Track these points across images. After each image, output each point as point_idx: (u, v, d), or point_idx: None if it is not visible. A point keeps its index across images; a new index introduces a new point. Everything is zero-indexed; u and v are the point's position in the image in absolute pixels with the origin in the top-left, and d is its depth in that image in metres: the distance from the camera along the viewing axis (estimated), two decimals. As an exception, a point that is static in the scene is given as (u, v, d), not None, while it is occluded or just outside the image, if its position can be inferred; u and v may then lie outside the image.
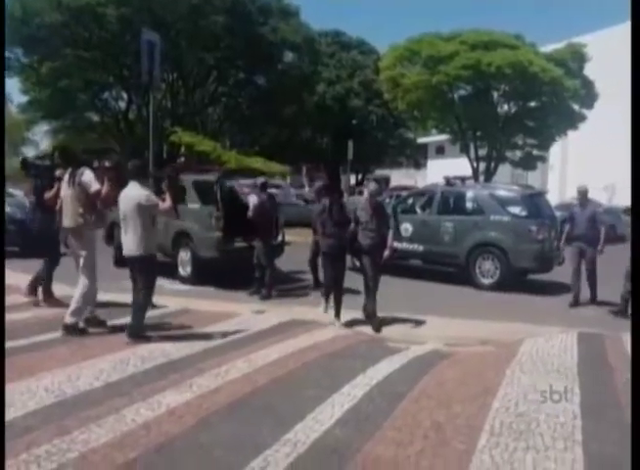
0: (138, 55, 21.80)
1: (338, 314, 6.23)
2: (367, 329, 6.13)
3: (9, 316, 5.58)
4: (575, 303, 7.78)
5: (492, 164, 22.02)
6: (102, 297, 7.23)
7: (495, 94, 21.12)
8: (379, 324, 6.13)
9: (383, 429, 3.28)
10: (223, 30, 21.76)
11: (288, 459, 2.85)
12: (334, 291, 6.34)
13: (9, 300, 6.38)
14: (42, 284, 6.59)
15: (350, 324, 6.27)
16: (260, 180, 8.72)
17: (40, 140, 40.44)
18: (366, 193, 6.64)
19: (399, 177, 38.82)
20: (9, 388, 3.66)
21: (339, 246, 6.26)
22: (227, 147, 24.38)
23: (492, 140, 21.74)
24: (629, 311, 6.29)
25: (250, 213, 7.99)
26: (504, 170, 23.86)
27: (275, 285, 7.96)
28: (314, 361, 4.64)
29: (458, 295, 8.63)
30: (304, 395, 3.79)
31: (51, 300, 6.51)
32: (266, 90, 26.67)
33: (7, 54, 22.55)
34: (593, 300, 7.80)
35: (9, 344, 4.60)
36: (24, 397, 3.57)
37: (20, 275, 7.65)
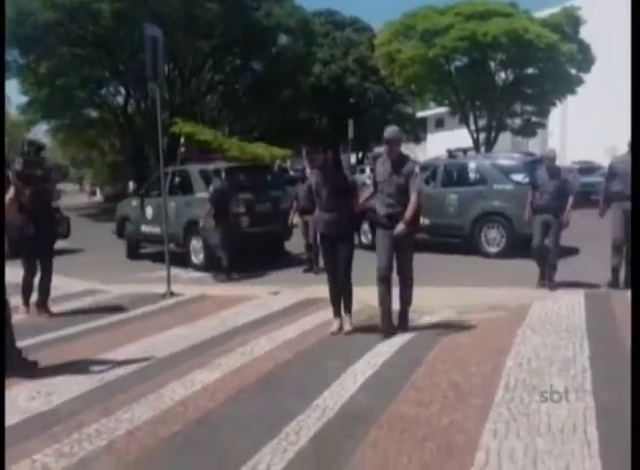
0: (134, 49, 22.01)
1: (348, 309, 5.03)
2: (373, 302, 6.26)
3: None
4: (542, 282, 6.64)
5: (492, 134, 22.04)
6: (120, 288, 7.52)
7: (492, 63, 21.05)
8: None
9: (404, 391, 3.49)
10: (217, 18, 21.67)
11: (318, 423, 3.07)
12: (342, 285, 4.97)
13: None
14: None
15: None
16: (213, 167, 9.28)
17: (41, 140, 40.40)
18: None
19: (400, 153, 38.64)
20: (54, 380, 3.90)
21: (341, 222, 4.83)
22: (226, 135, 24.43)
23: (491, 110, 21.72)
24: (621, 283, 6.27)
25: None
26: (504, 139, 23.87)
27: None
28: (332, 335, 4.86)
29: (465, 264, 8.81)
30: (327, 365, 4.01)
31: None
32: (262, 75, 26.62)
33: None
34: (550, 278, 6.57)
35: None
36: (71, 382, 3.82)
37: None
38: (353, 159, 34.51)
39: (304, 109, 32.49)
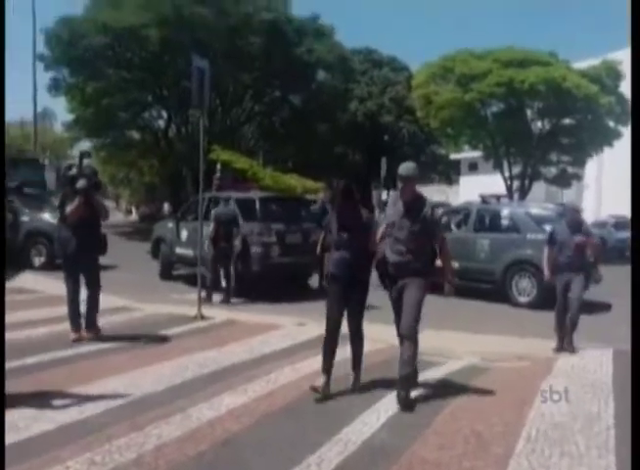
0: (178, 75, 22.86)
1: (357, 365, 4.42)
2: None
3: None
4: (560, 347, 6.06)
5: (527, 182, 22.01)
6: (152, 307, 7.72)
7: (529, 111, 21.19)
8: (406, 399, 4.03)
9: (425, 434, 3.53)
10: (260, 51, 22.42)
11: (340, 457, 3.14)
12: (353, 336, 4.40)
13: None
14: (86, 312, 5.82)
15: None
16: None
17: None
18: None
19: (431, 193, 38.63)
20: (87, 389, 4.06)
21: (353, 262, 4.16)
22: (261, 164, 24.97)
23: (526, 157, 21.76)
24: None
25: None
26: (538, 188, 23.78)
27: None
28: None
29: (494, 311, 8.77)
30: (350, 401, 4.07)
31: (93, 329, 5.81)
32: (300, 108, 27.25)
33: (54, 74, 23.70)
34: (569, 340, 6.07)
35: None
36: (101, 396, 3.96)
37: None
38: (385, 196, 34.70)
39: (339, 143, 33.02)
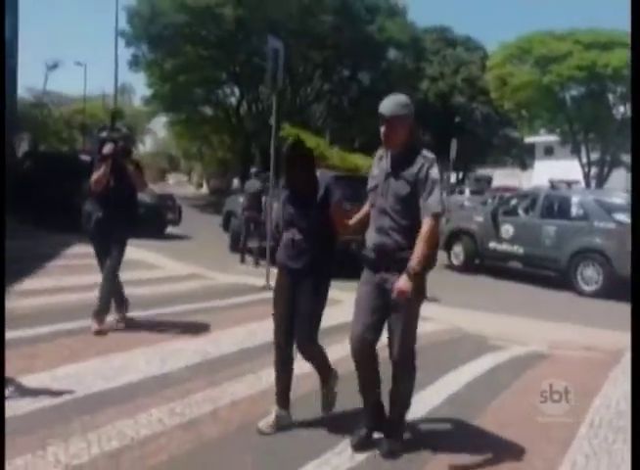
0: (251, 53, 23.22)
1: (327, 399, 3.31)
2: (463, 325, 6.27)
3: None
4: None
5: (605, 169, 21.02)
6: (224, 277, 8.11)
7: (611, 96, 20.15)
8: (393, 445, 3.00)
9: (485, 413, 3.61)
10: (331, 29, 22.42)
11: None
12: (305, 354, 3.21)
13: (148, 273, 7.36)
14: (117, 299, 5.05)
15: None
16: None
17: (159, 131, 43.58)
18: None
19: (502, 177, 37.69)
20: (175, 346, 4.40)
21: (306, 250, 3.08)
22: (327, 143, 25.11)
23: (606, 143, 20.76)
24: None
25: None
26: (618, 176, 22.65)
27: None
28: (422, 349, 4.98)
29: (559, 299, 8.59)
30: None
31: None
32: (369, 87, 27.06)
33: (134, 51, 24.68)
34: None
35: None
36: (180, 354, 4.29)
37: (144, 252, 9.13)
38: (453, 178, 34.06)
39: (408, 124, 32.56)
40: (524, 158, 38.93)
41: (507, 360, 4.88)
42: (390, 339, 2.92)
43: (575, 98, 20.94)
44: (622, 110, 20.29)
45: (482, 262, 10.73)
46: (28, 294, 5.82)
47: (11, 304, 5.36)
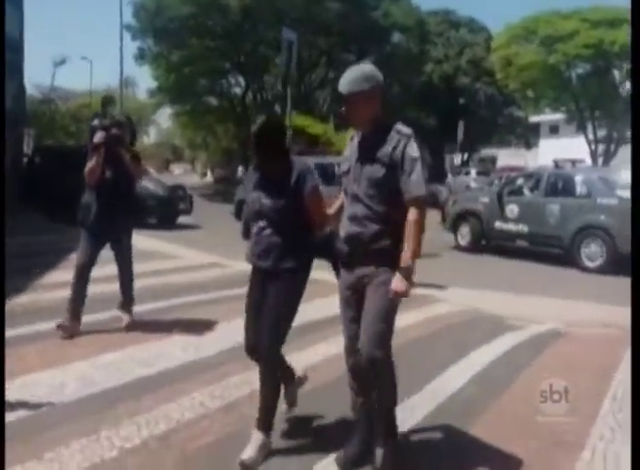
0: (256, 42, 23.16)
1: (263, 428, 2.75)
2: (478, 306, 6.36)
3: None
4: None
5: (612, 146, 20.96)
6: (240, 264, 8.24)
7: (617, 73, 20.02)
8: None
9: (510, 389, 3.75)
10: (337, 16, 22.34)
11: (429, 407, 3.41)
12: (265, 364, 2.83)
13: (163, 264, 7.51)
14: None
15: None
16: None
17: (163, 122, 43.64)
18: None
19: (507, 157, 37.54)
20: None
21: (277, 246, 2.73)
22: (333, 129, 25.11)
23: (613, 120, 20.67)
24: None
25: None
26: (626, 152, 22.55)
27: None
28: (440, 331, 5.16)
29: (565, 276, 8.73)
30: (435, 358, 4.33)
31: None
32: (374, 72, 26.97)
33: (140, 44, 24.68)
34: None
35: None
36: (213, 339, 4.45)
37: (159, 242, 9.40)
38: (458, 160, 33.98)
39: (412, 107, 32.48)
40: (528, 137, 38.78)
41: (527, 339, 5.00)
42: (363, 334, 2.53)
43: (581, 76, 20.85)
44: (629, 87, 20.17)
45: (489, 243, 10.86)
46: (57, 286, 5.97)
47: (41, 296, 5.55)
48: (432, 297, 6.46)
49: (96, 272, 4.69)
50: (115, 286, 4.89)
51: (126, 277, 4.80)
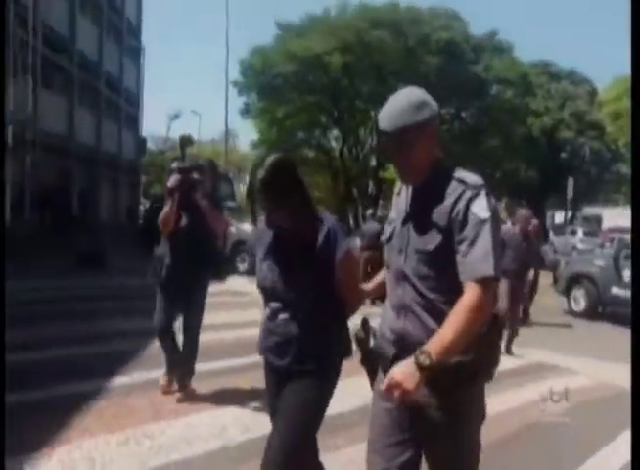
0: (354, 97, 23.88)
1: None
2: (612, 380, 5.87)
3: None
4: None
5: None
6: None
7: None
8: None
9: None
10: (435, 70, 22.65)
11: None
12: None
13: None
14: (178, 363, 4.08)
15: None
16: None
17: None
18: None
19: (613, 217, 35.28)
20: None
21: (299, 338, 2.01)
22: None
23: None
24: None
25: None
26: None
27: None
28: (576, 408, 4.75)
29: None
30: (577, 441, 3.96)
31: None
32: (471, 124, 26.85)
33: (245, 99, 26.24)
34: None
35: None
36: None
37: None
38: (560, 218, 32.48)
39: (511, 159, 31.81)
40: (639, 197, 36.40)
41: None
42: None
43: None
44: None
45: (605, 309, 10.09)
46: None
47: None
48: (558, 368, 6.03)
49: (215, 319, 4.51)
50: (239, 333, 4.77)
51: (190, 341, 4.02)
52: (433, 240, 1.70)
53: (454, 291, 1.64)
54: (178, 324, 4.13)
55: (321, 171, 30.52)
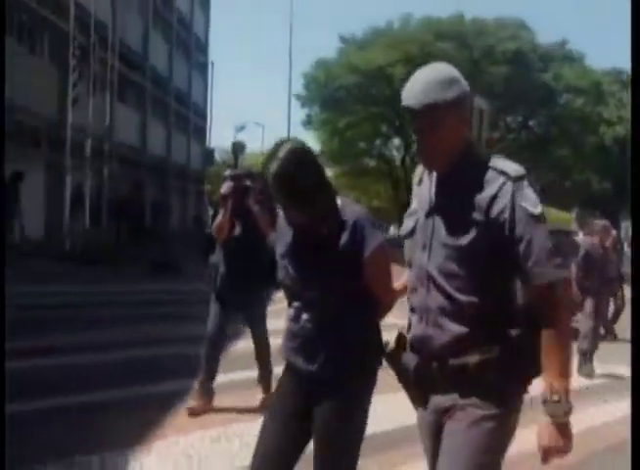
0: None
1: None
2: None
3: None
4: None
5: None
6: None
7: None
8: None
9: None
10: (501, 80, 22.25)
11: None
12: None
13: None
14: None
15: None
16: None
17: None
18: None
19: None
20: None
21: (324, 348, 1.78)
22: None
23: None
24: None
25: None
26: None
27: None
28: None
29: None
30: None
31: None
32: (540, 133, 26.14)
33: (307, 111, 26.68)
34: None
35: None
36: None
37: None
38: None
39: (582, 169, 30.71)
40: None
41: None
42: None
43: None
44: None
45: None
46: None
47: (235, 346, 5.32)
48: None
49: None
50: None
51: (261, 348, 4.00)
52: (466, 234, 1.48)
53: (485, 292, 1.48)
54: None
55: (382, 180, 30.53)
